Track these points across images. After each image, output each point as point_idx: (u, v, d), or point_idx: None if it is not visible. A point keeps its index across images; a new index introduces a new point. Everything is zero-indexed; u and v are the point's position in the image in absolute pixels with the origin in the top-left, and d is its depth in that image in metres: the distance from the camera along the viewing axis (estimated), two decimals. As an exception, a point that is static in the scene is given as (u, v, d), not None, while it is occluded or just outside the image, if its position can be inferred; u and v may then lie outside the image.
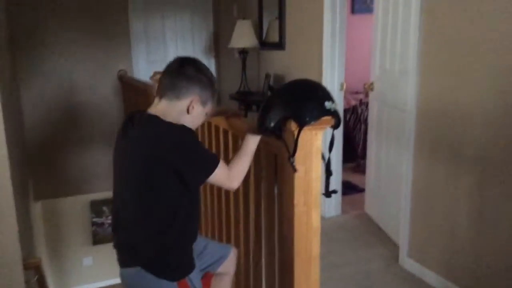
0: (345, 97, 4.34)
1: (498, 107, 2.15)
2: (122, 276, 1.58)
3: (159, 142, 1.38)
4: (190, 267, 1.54)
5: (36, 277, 3.61)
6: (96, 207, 6.31)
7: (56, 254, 6.20)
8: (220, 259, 1.76)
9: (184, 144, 1.39)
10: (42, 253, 5.70)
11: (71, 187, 5.15)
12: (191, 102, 1.45)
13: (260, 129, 1.35)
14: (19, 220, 3.47)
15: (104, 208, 6.39)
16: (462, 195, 2.40)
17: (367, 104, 4.21)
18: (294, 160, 1.28)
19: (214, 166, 1.40)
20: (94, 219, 6.34)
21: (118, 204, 1.57)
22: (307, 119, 1.22)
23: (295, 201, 1.33)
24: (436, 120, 2.53)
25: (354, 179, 4.46)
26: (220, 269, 1.76)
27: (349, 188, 4.18)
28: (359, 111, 4.84)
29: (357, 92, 5.22)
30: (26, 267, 3.51)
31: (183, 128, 1.42)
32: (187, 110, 1.46)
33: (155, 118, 1.44)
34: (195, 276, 1.54)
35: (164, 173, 1.37)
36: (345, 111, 4.75)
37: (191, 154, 1.40)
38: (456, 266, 2.47)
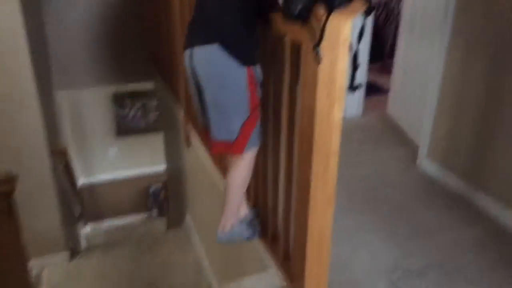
0: (377, -9, 4.03)
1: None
2: (193, 56, 1.66)
3: None
4: (256, 60, 1.64)
5: (63, 163, 3.78)
6: (118, 99, 6.38)
7: (82, 143, 6.44)
8: None
9: None
10: (69, 142, 5.92)
11: (94, 78, 5.16)
12: None
13: (285, 13, 1.24)
14: (43, 108, 3.55)
15: (127, 101, 6.46)
16: (494, 99, 2.29)
17: (400, 0, 3.91)
18: (320, 50, 1.19)
19: None
20: (118, 111, 6.46)
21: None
22: (337, 2, 1.11)
23: (318, 94, 1.26)
24: (476, 15, 2.33)
25: (379, 79, 4.33)
26: None
27: (373, 89, 4.07)
28: (391, 6, 4.53)
29: (390, -14, 4.84)
30: (53, 154, 3.67)
31: None
32: None
33: None
34: (258, 70, 1.64)
35: None
36: (376, 6, 4.46)
37: None
38: (477, 169, 2.45)
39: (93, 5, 4.75)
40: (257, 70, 1.64)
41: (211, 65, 1.61)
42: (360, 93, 3.56)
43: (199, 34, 1.65)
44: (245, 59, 1.58)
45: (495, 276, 1.95)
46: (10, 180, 2.63)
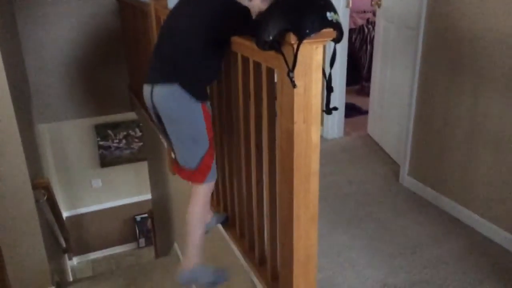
0: (351, 16, 4.17)
1: None
2: (153, 92, 1.80)
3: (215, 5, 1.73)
4: (208, 96, 1.88)
5: (46, 195, 3.74)
6: (101, 130, 6.38)
7: (65, 176, 6.39)
8: None
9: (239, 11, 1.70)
10: (51, 175, 5.87)
11: (74, 111, 5.16)
12: None
13: (258, 42, 1.31)
14: (24, 141, 3.54)
15: (109, 132, 6.46)
16: (463, 115, 2.38)
17: (374, 24, 4.06)
18: (294, 75, 1.24)
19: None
20: (100, 142, 6.45)
21: (173, 32, 1.83)
22: (307, 31, 1.17)
23: (295, 118, 1.32)
24: (445, 39, 2.44)
25: (358, 101, 4.43)
26: None
27: (352, 110, 4.16)
28: (366, 31, 4.69)
29: (364, 11, 5.02)
30: (35, 186, 3.63)
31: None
32: None
33: None
34: (208, 104, 1.86)
35: (224, 25, 1.69)
36: (351, 31, 4.60)
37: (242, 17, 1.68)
38: (457, 184, 2.52)
39: (72, 37, 4.79)
40: (208, 104, 1.84)
41: (170, 101, 1.76)
42: (340, 114, 3.64)
43: (161, 73, 1.81)
44: (202, 97, 1.79)
45: (479, 289, 1.99)
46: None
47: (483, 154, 2.31)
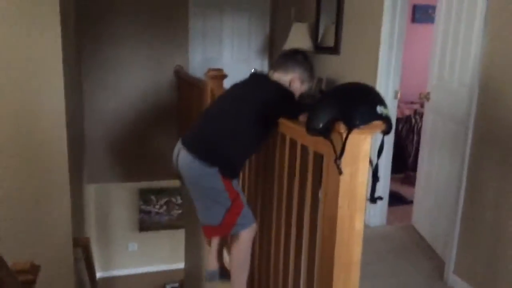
0: (399, 106, 4.23)
1: None
2: (179, 154, 1.94)
3: (268, 90, 1.92)
4: (237, 176, 2.00)
5: (85, 254, 3.80)
6: (144, 195, 6.53)
7: (103, 236, 6.48)
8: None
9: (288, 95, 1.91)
10: (92, 235, 5.98)
11: (122, 174, 5.36)
12: (293, 77, 1.97)
13: (309, 129, 1.36)
14: (73, 201, 3.68)
15: (152, 197, 6.60)
16: (517, 216, 2.28)
17: (421, 115, 4.09)
18: (341, 163, 1.27)
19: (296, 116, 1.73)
20: (142, 206, 6.58)
21: (212, 117, 2.01)
22: (357, 122, 1.21)
23: (339, 204, 1.32)
24: (495, 135, 2.42)
25: (403, 190, 4.35)
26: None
27: (396, 199, 4.08)
28: (413, 121, 4.72)
29: (412, 102, 5.09)
30: (76, 244, 3.71)
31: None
32: (289, 83, 1.97)
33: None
34: (235, 183, 1.96)
35: (273, 108, 1.83)
36: (398, 120, 4.64)
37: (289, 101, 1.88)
38: (505, 286, 2.36)
39: (130, 104, 5.12)
40: (235, 182, 1.95)
41: (191, 168, 1.90)
42: (384, 203, 3.57)
43: (193, 144, 1.93)
44: (233, 176, 1.94)
45: None
46: (32, 270, 2.65)
47: (537, 260, 2.17)
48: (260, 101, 1.88)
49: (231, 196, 1.89)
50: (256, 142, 1.96)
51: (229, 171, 1.91)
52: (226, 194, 1.88)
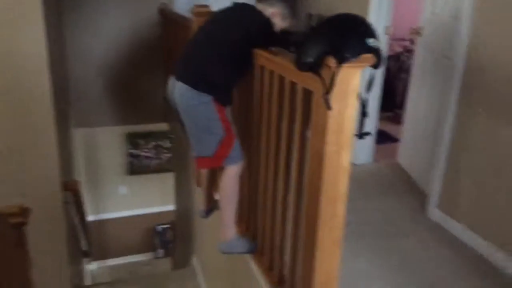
0: (389, 43, 4.16)
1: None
2: (175, 86, 2.02)
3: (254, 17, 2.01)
4: (231, 102, 2.08)
5: (75, 197, 3.82)
6: (132, 139, 6.50)
7: (93, 180, 6.51)
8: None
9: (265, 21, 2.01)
10: (82, 180, 6.00)
11: (110, 118, 5.29)
12: (274, 12, 2.05)
13: (298, 64, 1.32)
14: (60, 143, 3.64)
15: (140, 141, 6.58)
16: (504, 152, 2.32)
17: (411, 52, 4.03)
18: (330, 98, 1.25)
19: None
20: (131, 150, 6.56)
21: (199, 44, 2.05)
22: (347, 55, 1.18)
23: (327, 139, 1.32)
24: (486, 73, 2.40)
25: (390, 128, 4.38)
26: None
27: (383, 137, 4.11)
28: (403, 58, 4.66)
29: (402, 39, 4.99)
30: (65, 188, 3.72)
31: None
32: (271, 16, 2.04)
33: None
34: (228, 110, 2.05)
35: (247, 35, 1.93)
36: (388, 58, 4.58)
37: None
38: (486, 221, 2.44)
39: (113, 47, 4.96)
40: (227, 109, 2.04)
41: (187, 99, 1.96)
42: (371, 141, 3.60)
43: (186, 75, 2.00)
44: (226, 103, 2.02)
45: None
46: (23, 213, 2.67)
47: (518, 193, 2.24)
48: (245, 26, 1.96)
49: (225, 125, 1.96)
50: (243, 67, 2.02)
51: (222, 97, 1.98)
52: (219, 124, 1.94)
